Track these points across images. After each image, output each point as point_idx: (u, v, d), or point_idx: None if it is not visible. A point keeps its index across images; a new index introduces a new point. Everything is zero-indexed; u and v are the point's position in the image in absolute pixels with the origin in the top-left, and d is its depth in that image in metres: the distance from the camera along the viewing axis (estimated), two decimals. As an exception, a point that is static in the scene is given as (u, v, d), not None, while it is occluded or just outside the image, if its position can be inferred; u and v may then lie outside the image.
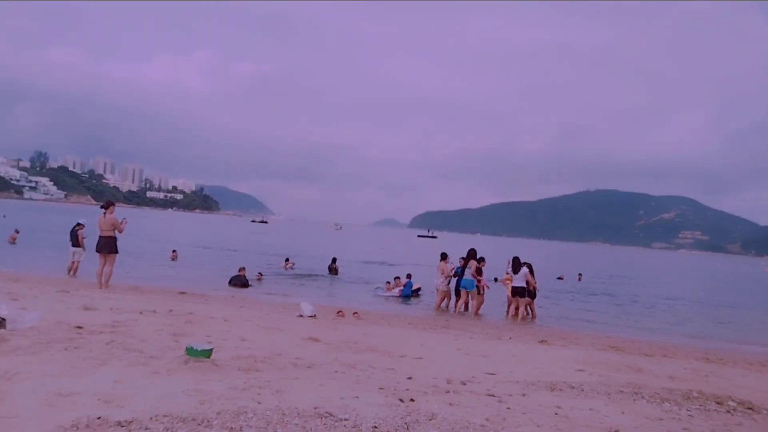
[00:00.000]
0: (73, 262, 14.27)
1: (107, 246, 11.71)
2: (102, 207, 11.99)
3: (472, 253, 13.46)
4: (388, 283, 16.80)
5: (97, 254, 11.84)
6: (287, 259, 22.76)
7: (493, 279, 16.98)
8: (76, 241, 14.25)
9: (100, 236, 11.81)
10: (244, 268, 16.26)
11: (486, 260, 13.95)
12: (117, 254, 11.94)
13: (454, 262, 14.32)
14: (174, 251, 22.22)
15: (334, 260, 21.64)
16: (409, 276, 16.54)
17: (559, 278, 26.29)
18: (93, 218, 14.80)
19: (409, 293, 15.84)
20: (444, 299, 14.22)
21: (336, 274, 20.84)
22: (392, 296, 15.88)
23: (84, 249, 14.37)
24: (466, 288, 13.33)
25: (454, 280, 14.00)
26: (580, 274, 27.86)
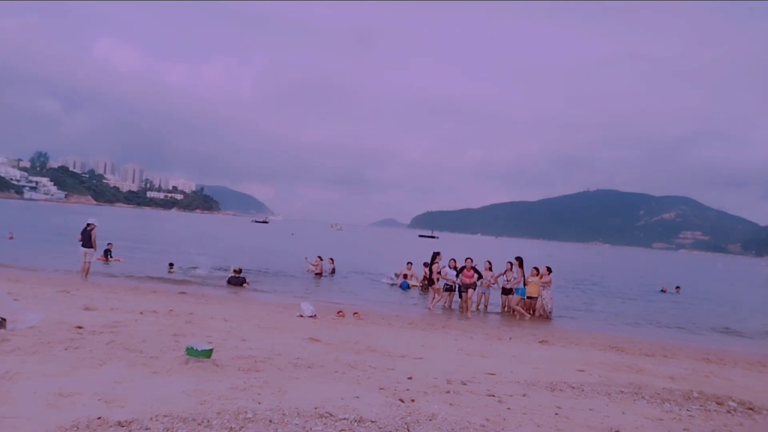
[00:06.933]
0: (84, 263, 14.00)
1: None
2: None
3: (434, 256, 14.32)
4: (397, 276, 18.83)
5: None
6: (320, 258, 21.44)
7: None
8: (88, 241, 13.93)
9: None
10: (240, 270, 16.29)
11: (472, 260, 14.44)
12: None
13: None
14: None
15: (331, 260, 21.75)
16: (409, 264, 18.44)
17: (662, 290, 24.64)
18: (97, 218, 14.83)
19: (407, 286, 17.55)
20: (440, 298, 14.39)
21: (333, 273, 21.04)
22: (395, 284, 18.08)
23: (96, 249, 14.35)
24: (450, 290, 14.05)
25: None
26: (677, 287, 25.23)
